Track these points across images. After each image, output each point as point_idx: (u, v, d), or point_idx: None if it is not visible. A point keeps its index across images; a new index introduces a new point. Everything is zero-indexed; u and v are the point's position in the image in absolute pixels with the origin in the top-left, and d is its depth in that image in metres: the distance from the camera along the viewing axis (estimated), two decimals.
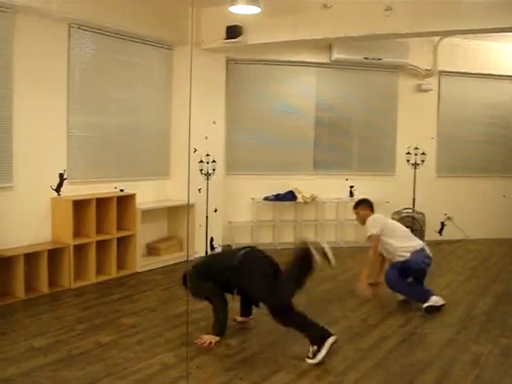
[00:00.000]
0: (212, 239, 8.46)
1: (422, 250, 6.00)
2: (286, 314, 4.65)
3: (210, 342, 4.76)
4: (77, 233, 6.57)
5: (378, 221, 6.26)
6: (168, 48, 8.03)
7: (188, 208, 7.85)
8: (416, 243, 6.07)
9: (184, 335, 4.91)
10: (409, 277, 6.03)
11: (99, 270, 6.84)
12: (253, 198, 9.07)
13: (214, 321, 4.94)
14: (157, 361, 4.37)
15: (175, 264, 7.71)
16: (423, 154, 9.86)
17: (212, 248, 8.44)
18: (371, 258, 6.18)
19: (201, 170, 8.20)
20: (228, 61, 8.73)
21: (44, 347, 4.62)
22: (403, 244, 6.02)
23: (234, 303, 5.16)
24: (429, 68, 9.68)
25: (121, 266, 7.16)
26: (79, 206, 6.58)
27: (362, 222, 6.44)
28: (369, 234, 6.18)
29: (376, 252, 6.17)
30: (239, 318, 5.34)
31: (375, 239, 6.10)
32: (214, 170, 8.34)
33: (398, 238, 6.10)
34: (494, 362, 4.47)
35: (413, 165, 9.80)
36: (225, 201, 8.69)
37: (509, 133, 10.28)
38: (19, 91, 6.15)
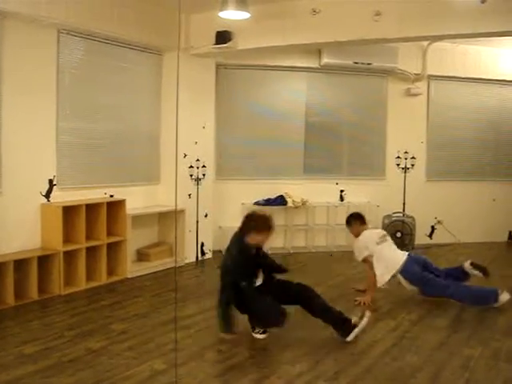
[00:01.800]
0: (203, 244, 8.46)
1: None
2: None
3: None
4: (66, 239, 6.55)
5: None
6: (158, 53, 8.03)
7: (176, 213, 7.83)
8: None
9: (174, 341, 4.91)
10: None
11: (89, 276, 6.81)
12: (243, 203, 9.05)
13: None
14: (147, 367, 4.36)
15: (165, 269, 7.70)
16: (413, 158, 9.91)
17: (202, 253, 8.43)
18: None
19: (191, 176, 8.20)
20: (218, 66, 8.73)
21: (34, 354, 4.59)
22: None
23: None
24: (418, 72, 9.70)
25: (111, 271, 7.14)
26: (69, 211, 6.56)
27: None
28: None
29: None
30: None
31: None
32: (204, 175, 8.35)
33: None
34: (484, 366, 4.48)
35: (403, 169, 9.85)
36: (215, 206, 8.69)
37: (498, 137, 10.33)
38: (8, 97, 6.12)
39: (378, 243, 6.33)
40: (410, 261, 6.22)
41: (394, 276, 6.17)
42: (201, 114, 8.35)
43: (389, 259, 6.24)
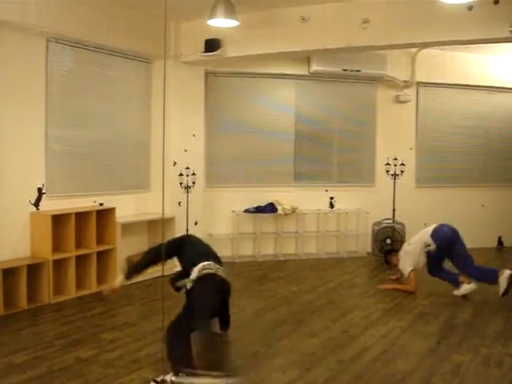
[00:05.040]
0: None
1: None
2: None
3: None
4: (56, 247, 6.52)
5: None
6: (147, 61, 8.03)
7: (163, 221, 7.81)
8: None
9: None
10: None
11: (79, 285, 6.79)
12: (233, 211, 9.05)
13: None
14: (137, 376, 4.34)
15: (155, 278, 7.66)
16: (402, 164, 9.94)
17: None
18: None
19: (181, 183, 8.19)
20: (207, 73, 8.74)
21: (23, 363, 4.56)
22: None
23: None
24: (407, 79, 9.75)
25: (101, 280, 7.08)
26: (58, 220, 6.54)
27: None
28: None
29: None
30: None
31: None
32: (193, 182, 8.34)
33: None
34: (474, 372, 4.49)
35: (392, 175, 9.87)
36: (205, 213, 8.68)
37: (487, 143, 10.38)
38: None
39: None
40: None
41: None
42: (190, 121, 8.35)
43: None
